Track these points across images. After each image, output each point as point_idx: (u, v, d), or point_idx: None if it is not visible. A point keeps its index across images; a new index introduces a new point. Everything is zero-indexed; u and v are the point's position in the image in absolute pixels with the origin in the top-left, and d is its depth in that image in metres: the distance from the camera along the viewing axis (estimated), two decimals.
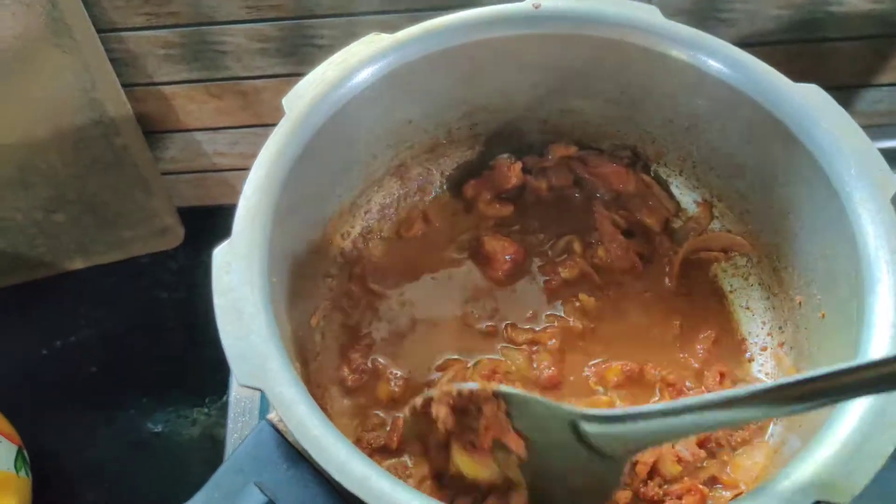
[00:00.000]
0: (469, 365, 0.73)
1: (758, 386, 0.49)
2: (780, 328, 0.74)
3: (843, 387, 0.47)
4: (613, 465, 0.56)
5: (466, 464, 0.59)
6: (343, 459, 0.50)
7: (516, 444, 0.57)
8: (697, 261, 0.80)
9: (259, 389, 0.52)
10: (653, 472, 0.66)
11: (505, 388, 0.58)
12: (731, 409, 0.50)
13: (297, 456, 0.55)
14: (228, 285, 0.56)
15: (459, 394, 0.58)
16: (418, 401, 0.60)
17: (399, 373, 0.72)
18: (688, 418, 0.51)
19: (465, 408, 0.58)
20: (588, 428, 0.55)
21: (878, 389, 0.48)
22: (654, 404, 0.57)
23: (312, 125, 0.65)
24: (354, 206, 0.77)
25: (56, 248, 1.07)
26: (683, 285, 0.78)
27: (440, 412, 0.58)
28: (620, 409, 0.57)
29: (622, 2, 0.71)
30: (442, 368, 0.73)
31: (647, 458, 0.66)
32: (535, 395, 0.58)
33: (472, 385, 0.58)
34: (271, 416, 0.57)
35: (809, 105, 0.66)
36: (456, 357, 0.73)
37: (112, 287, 1.11)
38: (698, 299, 0.78)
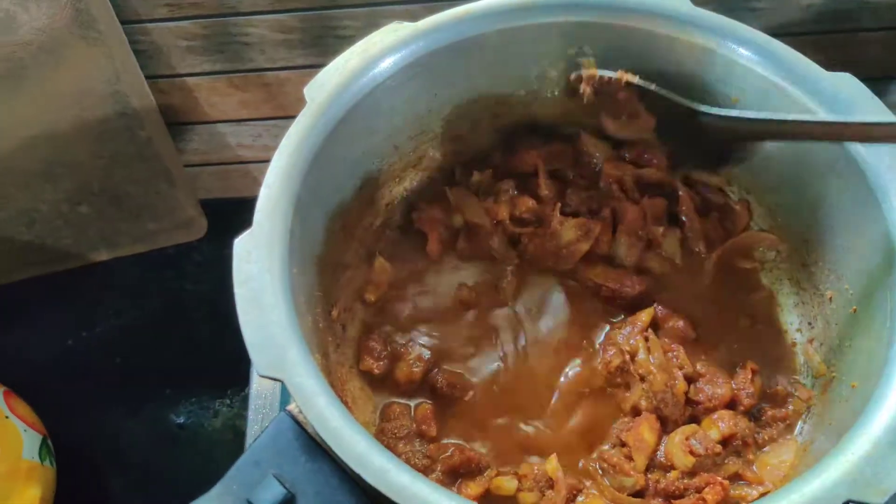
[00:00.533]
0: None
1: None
2: (809, 324, 0.72)
3: None
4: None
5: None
6: (362, 451, 0.49)
7: (646, 120, 0.73)
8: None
9: (278, 380, 0.51)
10: (668, 465, 0.65)
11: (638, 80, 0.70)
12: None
13: (316, 447, 0.55)
14: (249, 275, 0.56)
15: (601, 78, 0.71)
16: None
17: (420, 353, 0.71)
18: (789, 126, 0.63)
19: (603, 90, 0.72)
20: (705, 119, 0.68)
21: None
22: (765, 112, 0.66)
23: (334, 115, 0.65)
24: (376, 197, 0.76)
25: (81, 239, 1.08)
26: (716, 282, 0.77)
27: (586, 90, 0.72)
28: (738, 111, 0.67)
29: None
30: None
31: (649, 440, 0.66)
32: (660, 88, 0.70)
33: (610, 72, 0.71)
34: (291, 407, 0.57)
35: (842, 94, 0.65)
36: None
37: (136, 278, 1.12)
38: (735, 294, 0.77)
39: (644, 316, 0.73)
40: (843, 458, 0.50)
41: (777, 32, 0.69)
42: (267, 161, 0.62)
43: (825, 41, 0.94)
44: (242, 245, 0.57)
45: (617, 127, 0.77)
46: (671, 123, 0.73)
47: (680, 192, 0.77)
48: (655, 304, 0.73)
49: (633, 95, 0.73)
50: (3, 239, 1.03)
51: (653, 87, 0.71)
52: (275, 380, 0.51)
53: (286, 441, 0.55)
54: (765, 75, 0.68)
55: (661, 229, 0.76)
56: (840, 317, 0.68)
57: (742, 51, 0.68)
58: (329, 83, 0.65)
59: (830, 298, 0.69)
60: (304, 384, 0.51)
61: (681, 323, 0.73)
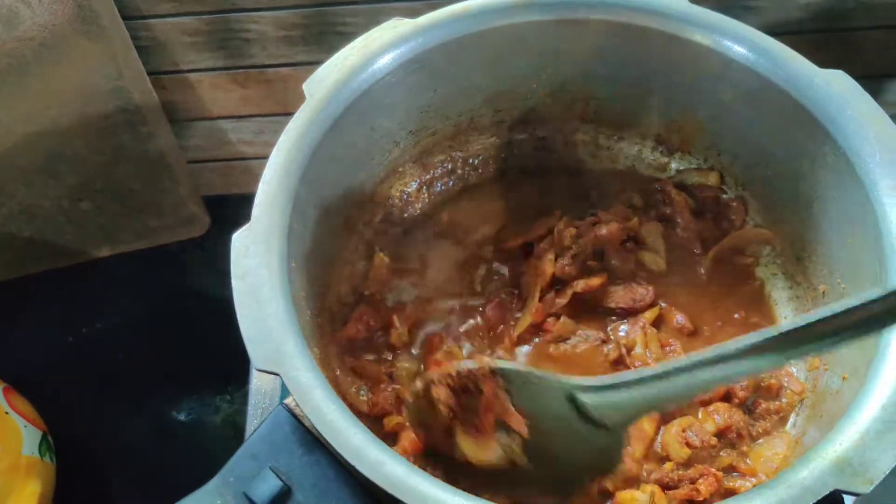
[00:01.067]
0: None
1: (748, 338, 0.50)
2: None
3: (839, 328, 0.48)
4: (614, 437, 0.56)
5: (470, 447, 0.58)
6: (358, 444, 0.49)
7: (517, 423, 0.57)
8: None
9: (275, 373, 0.52)
10: (663, 456, 0.66)
11: (501, 363, 0.57)
12: (724, 364, 0.51)
13: (313, 441, 0.55)
14: (246, 269, 0.56)
15: (458, 374, 0.57)
16: (419, 384, 0.59)
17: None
18: (681, 380, 0.52)
19: (465, 388, 0.57)
20: (585, 399, 0.55)
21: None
22: (646, 368, 0.56)
23: (333, 111, 0.65)
24: (376, 193, 0.76)
25: (83, 235, 1.08)
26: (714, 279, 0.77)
27: (440, 394, 0.57)
28: (613, 375, 0.56)
29: None
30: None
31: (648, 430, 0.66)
32: (531, 368, 0.58)
33: (469, 364, 0.57)
34: (288, 400, 0.57)
35: (835, 91, 0.65)
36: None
37: (138, 275, 1.12)
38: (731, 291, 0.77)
39: (648, 314, 0.73)
40: (831, 448, 0.50)
41: (774, 31, 0.69)
42: (268, 157, 0.62)
43: (822, 39, 0.94)
44: (241, 240, 0.58)
45: None
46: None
47: (673, 196, 0.78)
48: (660, 303, 0.74)
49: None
50: (4, 235, 1.04)
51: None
52: (271, 373, 0.52)
53: (283, 434, 0.55)
54: (759, 73, 0.68)
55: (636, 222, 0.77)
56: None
57: (737, 48, 0.69)
58: (328, 79, 0.66)
59: (823, 292, 0.69)
60: (300, 377, 0.52)
61: (679, 317, 0.73)
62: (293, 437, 0.55)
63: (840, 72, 0.66)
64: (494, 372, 0.57)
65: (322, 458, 0.54)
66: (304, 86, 0.65)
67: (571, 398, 0.56)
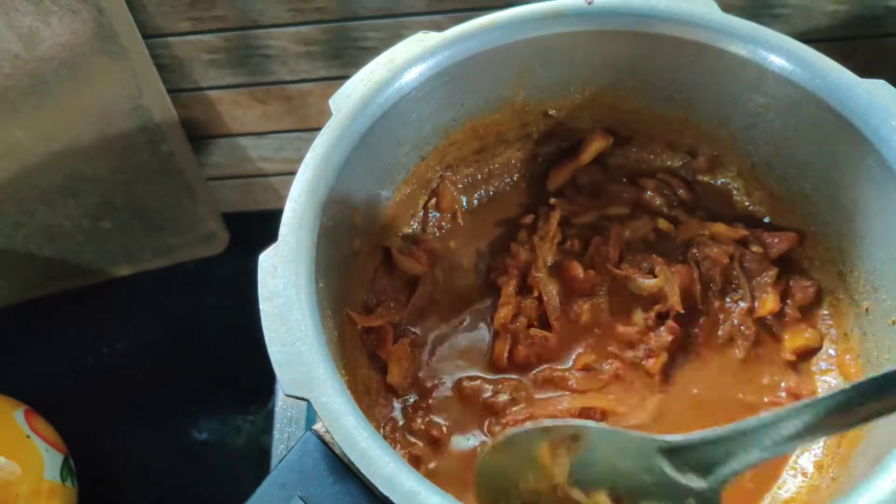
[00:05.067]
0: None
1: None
2: (845, 335, 0.70)
3: None
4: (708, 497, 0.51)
5: None
6: (391, 473, 0.48)
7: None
8: None
9: (305, 399, 0.50)
10: None
11: (581, 422, 0.54)
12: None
13: (343, 469, 0.53)
14: (274, 290, 0.55)
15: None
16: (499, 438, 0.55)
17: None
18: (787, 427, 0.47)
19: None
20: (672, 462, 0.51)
21: None
22: (746, 420, 0.49)
23: (360, 126, 0.64)
24: (402, 209, 0.75)
25: (103, 254, 1.07)
26: None
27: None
28: (705, 431, 0.50)
29: None
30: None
31: None
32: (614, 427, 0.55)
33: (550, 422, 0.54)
34: (317, 426, 0.56)
35: (877, 101, 0.63)
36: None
37: (158, 293, 1.11)
38: None
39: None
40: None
41: (801, 39, 0.68)
42: (289, 174, 0.61)
43: (851, 47, 0.92)
44: (268, 260, 0.56)
45: None
46: None
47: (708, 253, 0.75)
48: None
49: None
50: (24, 255, 1.03)
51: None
52: (301, 399, 0.50)
53: (312, 462, 0.53)
54: (797, 83, 0.66)
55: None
56: (878, 328, 0.66)
57: (773, 58, 0.67)
58: (354, 94, 0.64)
59: (867, 309, 0.67)
60: (330, 403, 0.50)
61: None
62: (323, 464, 0.54)
63: (882, 81, 0.64)
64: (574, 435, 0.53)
65: (353, 487, 0.53)
66: (331, 101, 0.64)
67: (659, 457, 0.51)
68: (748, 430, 0.49)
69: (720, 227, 0.76)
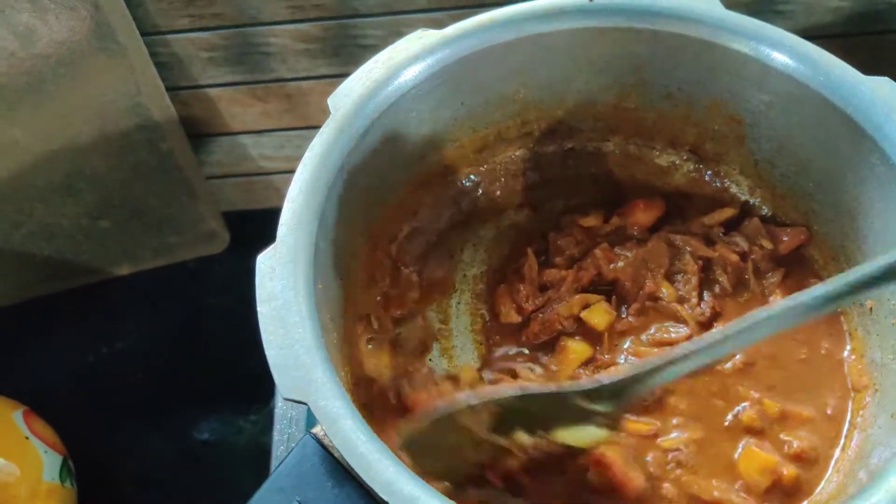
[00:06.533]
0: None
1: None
2: (849, 335, 0.70)
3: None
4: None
5: None
6: (391, 478, 0.47)
7: None
8: None
9: (303, 402, 0.50)
10: None
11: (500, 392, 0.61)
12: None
13: (342, 473, 0.53)
14: (272, 293, 0.54)
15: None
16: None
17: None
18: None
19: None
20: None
21: None
22: (648, 358, 0.60)
23: (358, 125, 0.63)
24: (402, 208, 0.75)
25: (102, 253, 1.07)
26: None
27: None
28: (611, 375, 0.60)
29: None
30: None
31: None
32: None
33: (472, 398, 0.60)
34: (316, 430, 0.55)
35: (880, 98, 0.63)
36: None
37: (158, 292, 1.11)
38: None
39: None
40: None
41: (805, 35, 0.67)
42: (289, 172, 0.61)
43: (854, 44, 0.92)
44: (266, 261, 0.56)
45: None
46: None
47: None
48: None
49: None
50: (23, 254, 1.03)
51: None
52: (299, 402, 0.50)
53: (311, 466, 0.53)
54: (800, 80, 0.66)
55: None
56: (881, 328, 0.66)
57: (776, 55, 0.67)
58: (353, 93, 0.64)
59: (871, 308, 0.67)
60: (329, 407, 0.50)
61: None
62: (322, 468, 0.53)
63: (886, 79, 0.64)
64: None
65: (353, 491, 0.52)
66: (329, 100, 0.64)
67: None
68: (649, 369, 0.58)
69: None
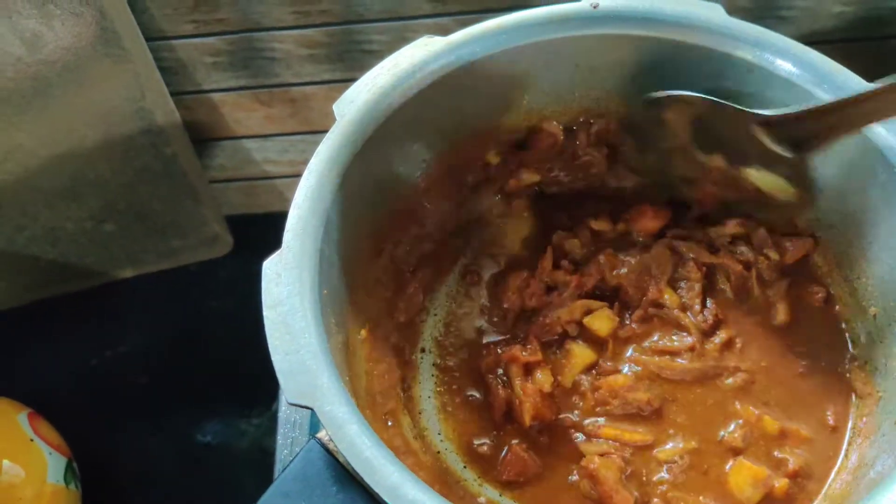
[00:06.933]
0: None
1: None
2: (852, 342, 0.70)
3: None
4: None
5: None
6: (395, 483, 0.48)
7: None
8: None
9: (309, 408, 0.50)
10: None
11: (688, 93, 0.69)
12: None
13: (347, 478, 0.53)
14: (278, 298, 0.55)
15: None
16: None
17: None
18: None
19: None
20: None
21: None
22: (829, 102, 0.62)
23: (364, 131, 0.64)
24: (406, 213, 0.75)
25: (106, 257, 1.07)
26: None
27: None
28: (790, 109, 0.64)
29: (684, 0, 0.69)
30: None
31: None
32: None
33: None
34: (321, 434, 0.55)
35: None
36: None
37: (161, 296, 1.11)
38: None
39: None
40: None
41: (807, 40, 0.67)
42: (293, 176, 0.61)
43: (857, 49, 0.92)
44: (272, 267, 0.56)
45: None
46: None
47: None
48: None
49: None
50: (27, 258, 1.03)
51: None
52: (305, 407, 0.50)
53: (316, 470, 0.53)
54: (803, 87, 0.66)
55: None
56: (886, 335, 0.66)
57: (779, 62, 0.67)
58: (358, 99, 0.64)
59: (875, 315, 0.67)
60: (334, 412, 0.50)
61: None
62: (326, 473, 0.53)
63: None
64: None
65: (358, 496, 0.52)
66: (335, 106, 0.64)
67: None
68: (830, 107, 0.61)
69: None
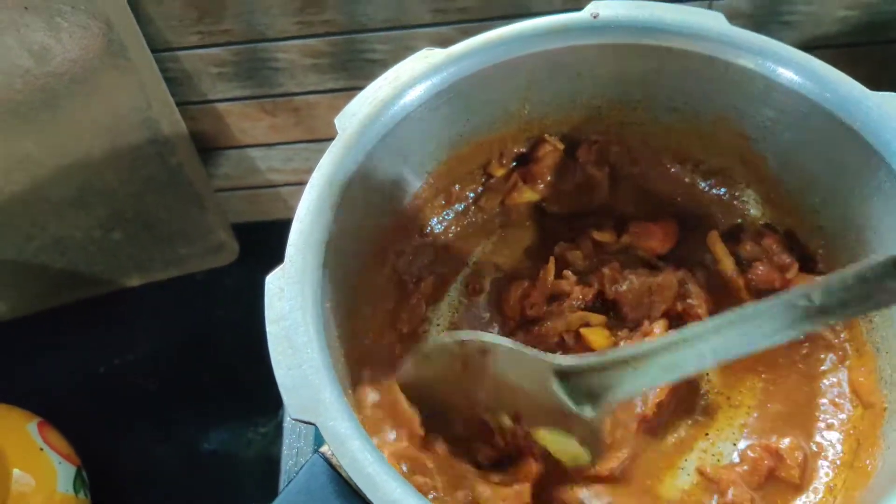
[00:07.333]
0: None
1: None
2: (857, 351, 0.70)
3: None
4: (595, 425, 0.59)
5: None
6: (397, 499, 0.48)
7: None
8: None
9: (311, 423, 0.50)
10: None
11: (489, 337, 0.61)
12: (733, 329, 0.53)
13: (351, 492, 0.53)
14: (281, 313, 0.55)
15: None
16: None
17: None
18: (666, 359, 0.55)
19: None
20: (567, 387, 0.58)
21: None
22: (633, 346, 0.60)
23: (365, 145, 0.64)
24: (409, 226, 0.75)
25: (113, 265, 1.08)
26: None
27: None
28: (593, 356, 0.59)
29: (685, 8, 0.68)
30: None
31: None
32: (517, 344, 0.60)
33: (464, 334, 0.62)
34: (324, 449, 0.55)
35: (887, 114, 0.63)
36: None
37: (168, 304, 1.12)
38: None
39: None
40: None
41: (811, 45, 0.67)
42: (297, 184, 0.62)
43: (861, 54, 0.92)
44: (274, 281, 0.56)
45: None
46: None
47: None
48: None
49: None
50: (37, 267, 1.04)
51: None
52: (308, 423, 0.50)
53: (319, 485, 0.53)
54: (806, 96, 0.66)
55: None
56: (888, 343, 0.66)
57: (781, 71, 0.66)
58: (360, 113, 0.64)
59: (876, 323, 0.67)
60: (337, 428, 0.50)
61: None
62: (330, 487, 0.53)
63: (893, 94, 0.63)
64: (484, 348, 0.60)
65: None
66: (336, 120, 0.64)
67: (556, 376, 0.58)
68: (636, 355, 0.56)
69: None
